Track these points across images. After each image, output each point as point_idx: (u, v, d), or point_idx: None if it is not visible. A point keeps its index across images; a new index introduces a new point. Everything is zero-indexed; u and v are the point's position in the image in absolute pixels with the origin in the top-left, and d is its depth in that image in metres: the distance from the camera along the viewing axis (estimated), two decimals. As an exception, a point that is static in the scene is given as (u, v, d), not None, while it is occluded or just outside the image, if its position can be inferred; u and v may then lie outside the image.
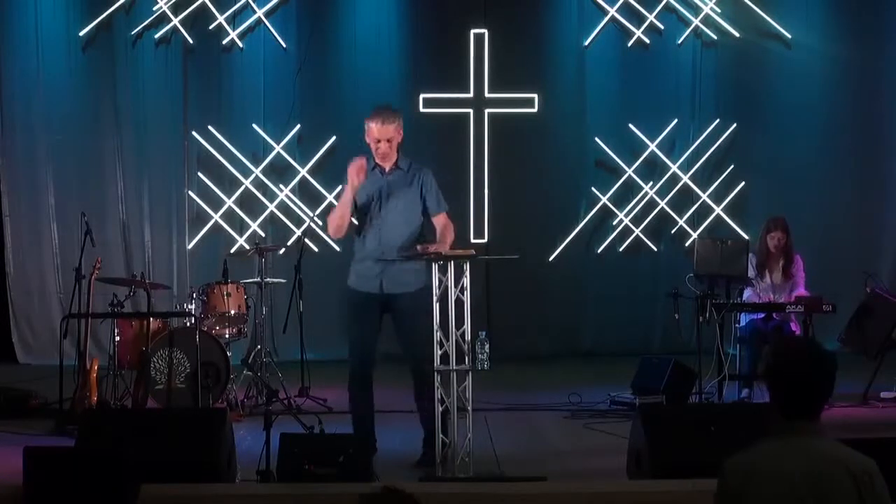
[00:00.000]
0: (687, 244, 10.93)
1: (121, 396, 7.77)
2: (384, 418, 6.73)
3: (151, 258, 11.01)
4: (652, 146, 11.27)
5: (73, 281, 7.92)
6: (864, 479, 2.98)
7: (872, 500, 2.97)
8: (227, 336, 8.47)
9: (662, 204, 11.32)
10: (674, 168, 11.32)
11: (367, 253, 6.39)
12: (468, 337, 5.98)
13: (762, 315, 8.33)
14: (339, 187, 10.97)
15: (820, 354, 3.14)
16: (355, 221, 6.55)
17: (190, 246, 11.03)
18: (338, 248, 11.03)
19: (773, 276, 8.49)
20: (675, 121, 11.27)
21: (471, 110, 11.11)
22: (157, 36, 11.02)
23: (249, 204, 11.11)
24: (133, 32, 10.98)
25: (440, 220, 6.48)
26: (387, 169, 6.47)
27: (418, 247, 6.23)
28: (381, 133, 6.38)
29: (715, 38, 11.30)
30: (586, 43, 11.29)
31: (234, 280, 8.53)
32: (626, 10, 11.28)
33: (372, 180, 6.43)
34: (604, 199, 11.28)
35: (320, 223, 10.75)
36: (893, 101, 11.43)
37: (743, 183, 11.27)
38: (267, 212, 11.10)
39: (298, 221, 10.99)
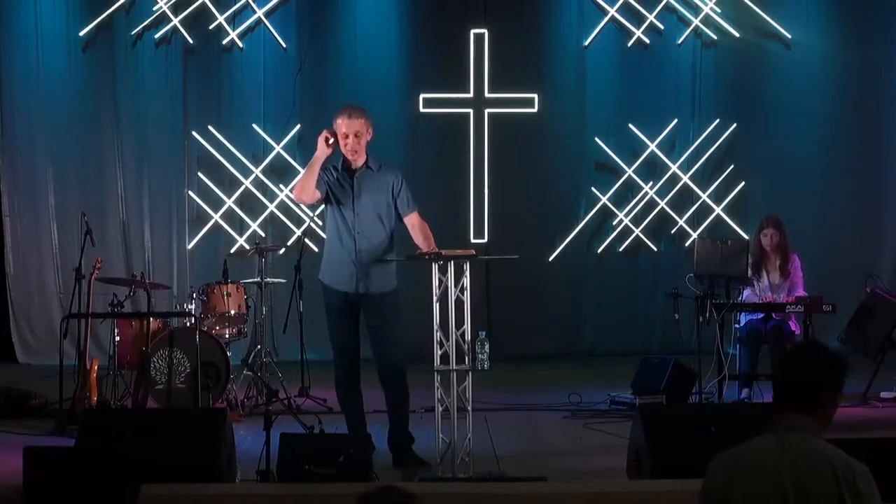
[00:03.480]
0: (687, 244, 10.93)
1: (121, 396, 7.77)
2: (381, 418, 6.73)
3: (151, 258, 11.01)
4: (652, 146, 11.27)
5: (73, 281, 7.92)
6: (847, 476, 3.02)
7: (854, 498, 3.01)
8: (227, 336, 8.47)
9: (662, 204, 11.32)
10: (674, 168, 11.32)
11: (345, 253, 6.39)
12: (468, 337, 5.98)
13: (761, 315, 8.33)
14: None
15: (820, 350, 3.23)
16: (327, 218, 6.55)
17: (190, 246, 11.03)
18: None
19: (771, 276, 8.49)
20: (675, 121, 11.27)
21: (471, 110, 11.11)
22: (157, 36, 11.02)
23: (249, 204, 11.11)
24: (133, 32, 10.98)
25: (414, 220, 6.44)
26: (355, 168, 6.46)
27: (417, 252, 6.25)
28: (348, 127, 6.40)
29: (715, 38, 11.30)
30: (586, 43, 11.29)
31: (234, 280, 8.53)
32: (626, 10, 11.28)
33: (342, 180, 6.44)
34: (604, 199, 11.29)
35: (320, 223, 10.76)
36: (893, 101, 11.43)
37: (743, 183, 11.27)
38: (267, 212, 11.11)
39: (298, 221, 10.99)
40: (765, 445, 3.12)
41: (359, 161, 6.46)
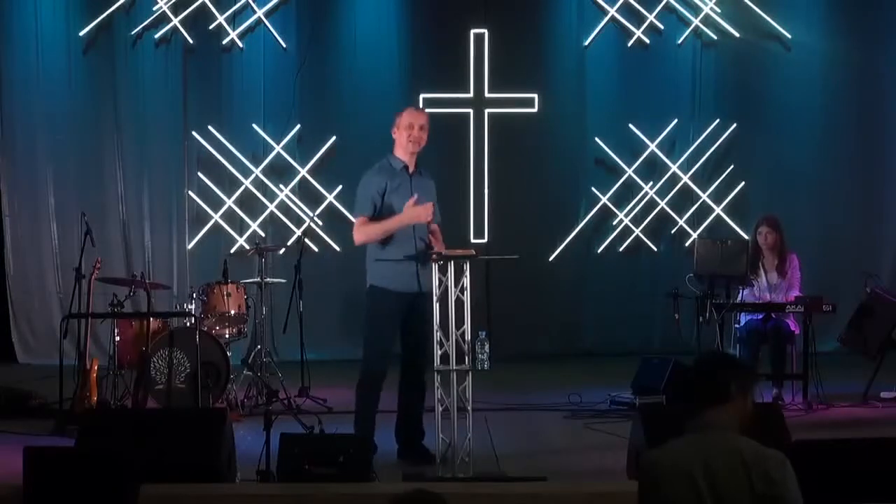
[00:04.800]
0: (687, 244, 10.94)
1: (121, 396, 7.77)
2: (384, 418, 6.72)
3: (151, 258, 11.01)
4: (652, 146, 11.27)
5: (73, 281, 7.92)
6: (759, 465, 3.18)
7: (765, 485, 3.16)
8: (227, 336, 8.46)
9: (662, 204, 11.32)
10: (674, 168, 11.33)
11: (407, 254, 6.36)
12: (468, 337, 5.98)
13: (761, 315, 8.33)
14: (340, 186, 11.04)
15: (722, 352, 3.52)
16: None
17: (190, 246, 11.02)
18: (338, 248, 11.05)
19: (769, 276, 8.49)
20: (675, 121, 11.28)
21: (471, 110, 11.10)
22: (157, 36, 11.02)
23: (249, 204, 11.11)
24: (133, 32, 10.98)
25: (435, 226, 6.61)
26: (412, 170, 6.53)
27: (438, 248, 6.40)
28: (417, 118, 6.53)
29: (715, 38, 11.30)
30: (586, 43, 11.29)
31: (234, 280, 8.52)
32: (626, 10, 11.28)
33: (402, 182, 6.48)
34: (604, 199, 11.29)
35: (320, 223, 10.76)
36: (893, 101, 11.44)
37: (743, 183, 11.27)
38: (267, 212, 11.10)
39: (298, 221, 10.99)
40: (681, 446, 3.28)
41: (413, 161, 6.54)
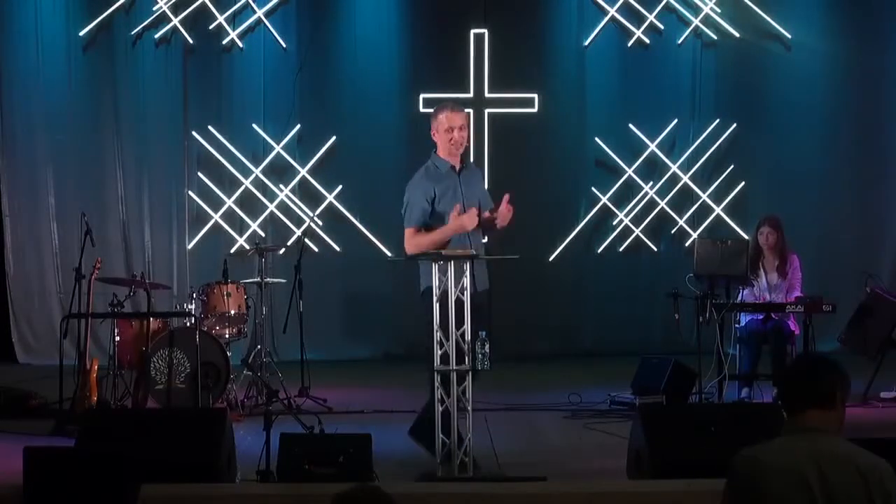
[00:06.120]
0: (687, 244, 10.94)
1: (121, 396, 7.77)
2: (385, 418, 6.72)
3: (151, 258, 11.01)
4: (652, 146, 11.27)
5: (73, 281, 7.92)
6: (874, 476, 3.05)
7: (883, 498, 3.02)
8: (227, 336, 8.46)
9: (662, 204, 11.32)
10: (674, 168, 11.33)
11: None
12: (468, 337, 5.97)
13: (761, 315, 8.32)
14: (340, 186, 11.05)
15: (827, 357, 3.33)
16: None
17: (190, 246, 11.03)
18: (338, 249, 11.05)
19: (769, 276, 8.49)
20: (675, 121, 11.28)
21: (471, 110, 11.08)
22: (157, 36, 11.02)
23: (249, 204, 11.11)
24: (133, 32, 10.99)
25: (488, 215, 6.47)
26: (458, 168, 6.42)
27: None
28: (456, 119, 6.30)
29: (715, 38, 11.30)
30: (586, 43, 11.29)
31: (234, 280, 8.52)
32: (626, 10, 11.28)
33: (449, 184, 6.36)
34: (604, 199, 11.29)
35: (320, 223, 10.76)
36: (893, 100, 11.44)
37: (743, 183, 11.27)
38: (267, 212, 11.10)
39: (298, 221, 10.99)
40: (788, 447, 3.13)
41: (458, 158, 6.41)
